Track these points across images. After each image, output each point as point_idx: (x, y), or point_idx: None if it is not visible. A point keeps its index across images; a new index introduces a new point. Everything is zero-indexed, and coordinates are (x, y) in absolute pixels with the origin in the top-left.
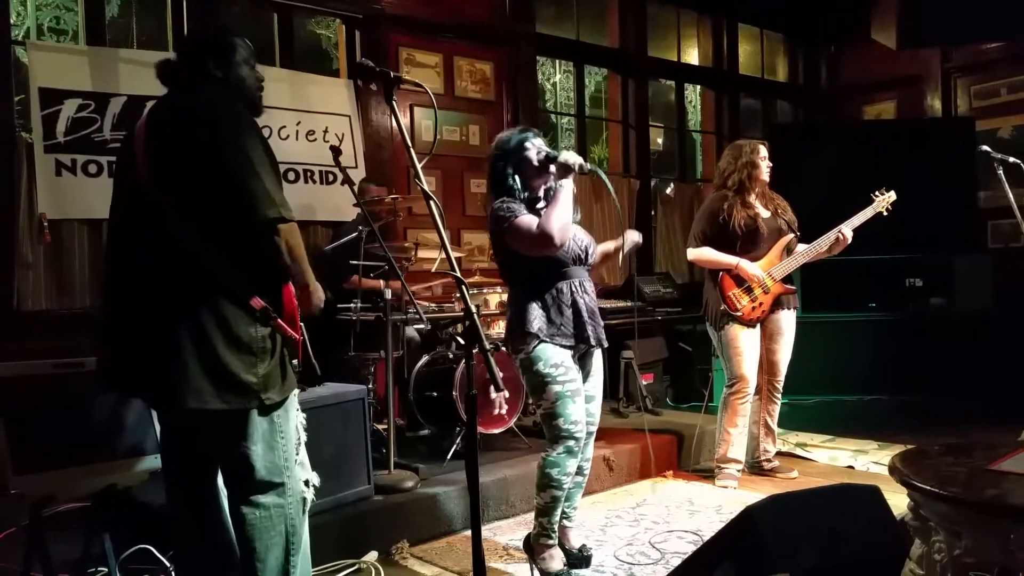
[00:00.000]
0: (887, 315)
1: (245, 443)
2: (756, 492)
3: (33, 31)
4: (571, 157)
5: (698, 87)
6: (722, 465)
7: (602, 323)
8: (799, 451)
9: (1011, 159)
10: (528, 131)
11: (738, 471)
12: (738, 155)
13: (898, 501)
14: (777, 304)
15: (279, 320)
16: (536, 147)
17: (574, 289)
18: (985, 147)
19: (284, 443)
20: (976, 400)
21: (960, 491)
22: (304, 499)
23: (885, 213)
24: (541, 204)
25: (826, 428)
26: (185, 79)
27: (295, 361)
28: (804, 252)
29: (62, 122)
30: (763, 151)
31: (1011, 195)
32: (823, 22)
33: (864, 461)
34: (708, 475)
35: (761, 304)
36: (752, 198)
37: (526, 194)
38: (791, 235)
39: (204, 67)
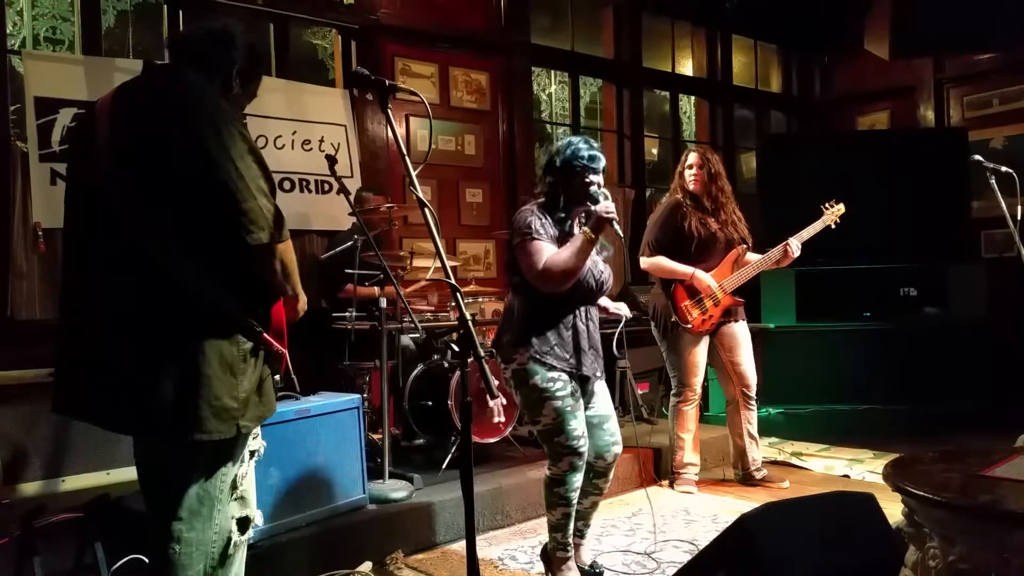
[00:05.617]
0: (882, 324)
1: (191, 469)
2: (751, 501)
3: (29, 41)
4: (607, 208)
5: (692, 98)
6: (680, 471)
7: (602, 355)
8: (795, 460)
9: (1003, 169)
10: (598, 157)
11: (695, 474)
12: (679, 162)
13: (893, 509)
14: (726, 314)
15: (265, 335)
16: (596, 182)
17: (577, 313)
18: (978, 157)
19: (224, 473)
20: (971, 408)
21: (954, 497)
22: (229, 539)
23: (833, 226)
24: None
25: (821, 437)
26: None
27: (277, 377)
28: (754, 265)
29: (57, 131)
30: (692, 158)
31: (1004, 205)
32: (817, 33)
33: (860, 470)
34: (711, 483)
35: (711, 316)
36: (703, 207)
37: (562, 215)
38: (743, 246)
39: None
